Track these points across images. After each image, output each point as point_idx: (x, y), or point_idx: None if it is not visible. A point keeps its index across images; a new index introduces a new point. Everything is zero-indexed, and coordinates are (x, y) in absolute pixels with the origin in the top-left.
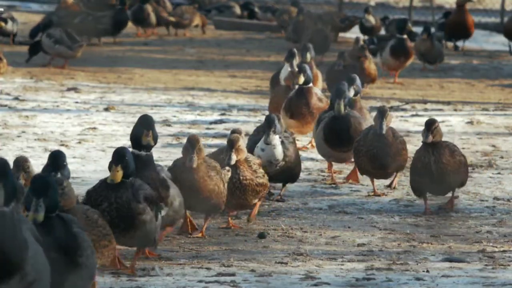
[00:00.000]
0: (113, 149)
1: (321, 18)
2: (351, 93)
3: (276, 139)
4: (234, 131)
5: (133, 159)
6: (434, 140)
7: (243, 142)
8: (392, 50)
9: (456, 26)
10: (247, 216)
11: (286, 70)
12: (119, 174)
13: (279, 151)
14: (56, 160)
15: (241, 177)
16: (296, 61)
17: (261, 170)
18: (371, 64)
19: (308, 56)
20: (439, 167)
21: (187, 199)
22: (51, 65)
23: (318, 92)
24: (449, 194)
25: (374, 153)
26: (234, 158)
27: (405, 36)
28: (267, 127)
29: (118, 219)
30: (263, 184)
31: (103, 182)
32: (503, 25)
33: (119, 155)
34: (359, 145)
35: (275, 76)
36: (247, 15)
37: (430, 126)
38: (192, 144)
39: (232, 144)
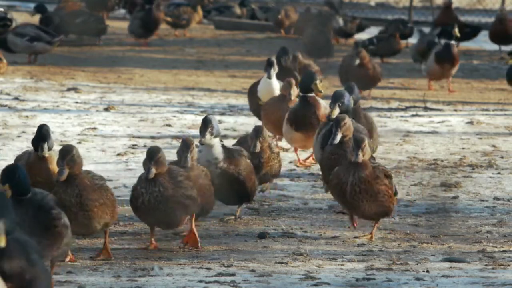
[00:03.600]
0: (114, 149)
1: (332, 17)
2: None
3: (214, 141)
4: (186, 140)
5: (26, 175)
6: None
7: (163, 154)
8: (438, 57)
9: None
10: (180, 241)
11: (264, 82)
12: (7, 194)
13: (217, 151)
14: None
15: (161, 189)
16: (274, 70)
17: (189, 182)
18: (374, 69)
19: (286, 59)
20: (353, 190)
21: (73, 218)
22: (30, 62)
23: (322, 101)
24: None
25: (331, 165)
26: (153, 171)
27: (452, 42)
28: (202, 128)
29: (36, 236)
30: (191, 196)
31: None
32: (489, 30)
33: (6, 173)
34: (322, 158)
35: (253, 87)
36: (246, 13)
37: (360, 143)
38: (61, 156)
39: (151, 156)
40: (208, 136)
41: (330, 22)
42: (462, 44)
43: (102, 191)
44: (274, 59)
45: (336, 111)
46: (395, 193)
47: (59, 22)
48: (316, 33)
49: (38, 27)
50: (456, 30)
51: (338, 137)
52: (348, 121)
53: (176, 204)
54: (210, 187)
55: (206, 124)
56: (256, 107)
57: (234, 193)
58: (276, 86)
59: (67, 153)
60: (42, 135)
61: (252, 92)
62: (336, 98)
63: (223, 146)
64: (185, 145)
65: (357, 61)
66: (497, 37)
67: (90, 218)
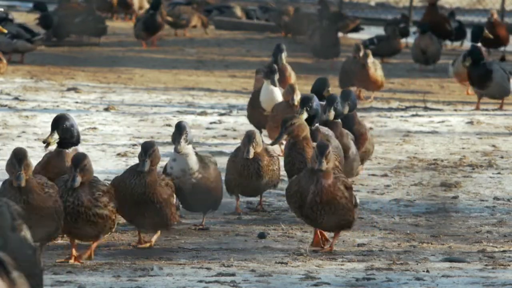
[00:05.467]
0: (114, 149)
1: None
2: (346, 109)
3: (189, 148)
4: (146, 143)
5: None
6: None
7: (89, 161)
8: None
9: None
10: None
11: (266, 89)
12: None
13: (192, 160)
14: None
15: (77, 203)
16: (277, 76)
17: (104, 199)
18: (377, 71)
19: (283, 56)
20: (313, 200)
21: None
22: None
23: None
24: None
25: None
26: (78, 180)
27: (479, 44)
28: (177, 135)
29: None
30: (103, 216)
31: None
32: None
33: None
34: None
35: (254, 95)
36: (246, 18)
37: (324, 150)
38: (18, 159)
39: (76, 164)
40: (183, 143)
41: (338, 22)
42: (457, 44)
43: (49, 201)
44: (276, 66)
45: (304, 115)
46: (356, 205)
47: (58, 22)
48: (325, 34)
49: (21, 26)
50: (487, 31)
51: (282, 137)
52: (297, 121)
53: (84, 221)
54: (169, 199)
55: (180, 131)
56: (258, 120)
57: (202, 202)
58: (278, 93)
59: (25, 157)
60: None
61: (253, 106)
62: (304, 103)
63: (196, 154)
64: (143, 149)
65: (370, 61)
66: (487, 41)
67: (32, 226)
